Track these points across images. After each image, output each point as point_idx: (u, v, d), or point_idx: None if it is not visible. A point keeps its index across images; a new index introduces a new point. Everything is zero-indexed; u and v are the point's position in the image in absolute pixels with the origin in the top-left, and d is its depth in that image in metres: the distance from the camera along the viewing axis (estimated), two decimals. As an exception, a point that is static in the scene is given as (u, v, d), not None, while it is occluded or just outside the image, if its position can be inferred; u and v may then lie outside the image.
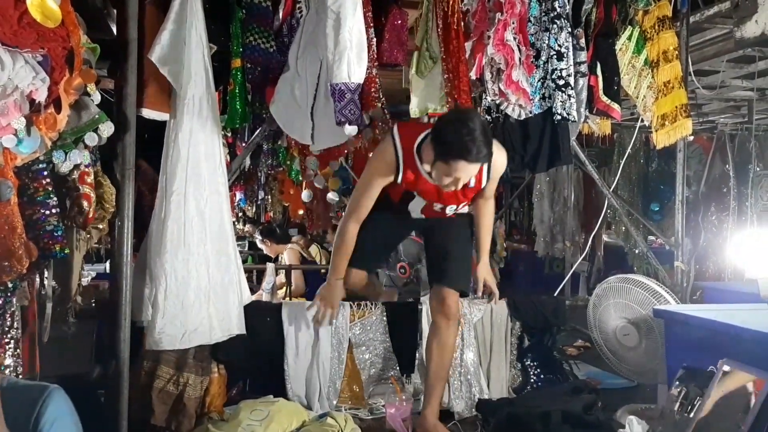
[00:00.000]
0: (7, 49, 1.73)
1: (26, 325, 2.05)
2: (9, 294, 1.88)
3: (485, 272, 2.97)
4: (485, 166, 2.60)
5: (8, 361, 1.87)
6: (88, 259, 2.82)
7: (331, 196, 4.98)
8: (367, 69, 3.02)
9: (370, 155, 2.83)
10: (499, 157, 2.68)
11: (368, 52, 3.03)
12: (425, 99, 3.28)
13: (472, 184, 2.66)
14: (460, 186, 2.52)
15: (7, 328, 1.87)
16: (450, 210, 2.79)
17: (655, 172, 6.19)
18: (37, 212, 1.96)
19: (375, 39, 3.11)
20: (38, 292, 2.25)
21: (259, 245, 6.07)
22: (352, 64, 2.94)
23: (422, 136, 2.58)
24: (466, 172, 2.43)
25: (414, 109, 3.32)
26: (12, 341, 1.89)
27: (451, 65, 3.15)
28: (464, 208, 2.91)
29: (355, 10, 2.94)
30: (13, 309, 1.90)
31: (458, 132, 2.35)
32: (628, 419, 2.70)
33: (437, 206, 2.76)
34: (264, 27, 3.04)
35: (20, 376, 1.93)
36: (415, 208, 2.83)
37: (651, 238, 6.10)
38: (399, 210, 2.85)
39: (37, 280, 2.24)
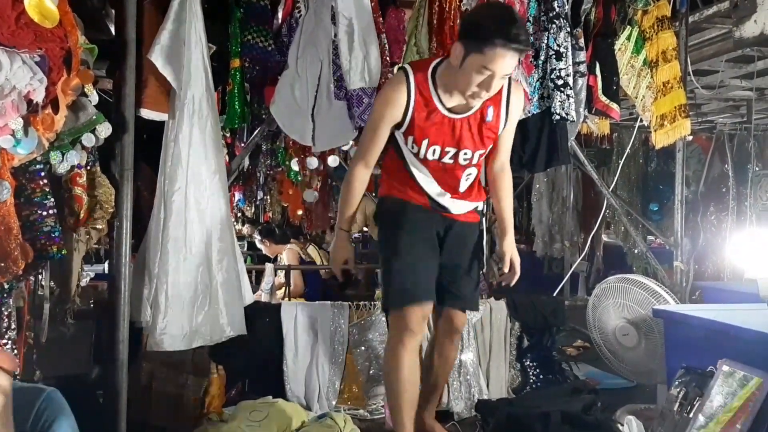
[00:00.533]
0: (4, 50, 1.72)
1: (21, 326, 2.05)
2: (5, 295, 1.88)
3: (511, 248, 2.64)
4: (503, 100, 2.40)
5: (6, 361, 1.86)
6: (87, 259, 2.81)
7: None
8: (382, 72, 3.03)
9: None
10: (516, 92, 2.47)
11: (381, 55, 3.04)
12: None
13: (490, 117, 2.40)
14: (492, 90, 2.24)
15: (4, 329, 1.87)
16: (464, 159, 2.43)
17: (654, 172, 6.19)
18: (35, 213, 1.95)
19: (386, 43, 3.12)
20: (34, 293, 2.25)
21: (258, 245, 6.07)
22: (368, 68, 2.95)
23: (438, 60, 2.38)
24: (504, 62, 2.15)
25: None
26: (9, 342, 1.88)
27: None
28: (479, 200, 2.64)
29: (367, 15, 2.95)
30: (9, 310, 1.90)
31: (495, 14, 2.22)
32: (627, 419, 2.70)
33: (450, 152, 2.40)
34: (262, 26, 3.05)
35: (17, 377, 1.93)
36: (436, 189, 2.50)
37: (650, 238, 6.10)
38: (426, 217, 2.51)
39: (33, 280, 2.24)
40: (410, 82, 2.33)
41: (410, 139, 2.40)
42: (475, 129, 2.40)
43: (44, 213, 1.96)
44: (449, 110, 2.36)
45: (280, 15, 3.14)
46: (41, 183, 1.97)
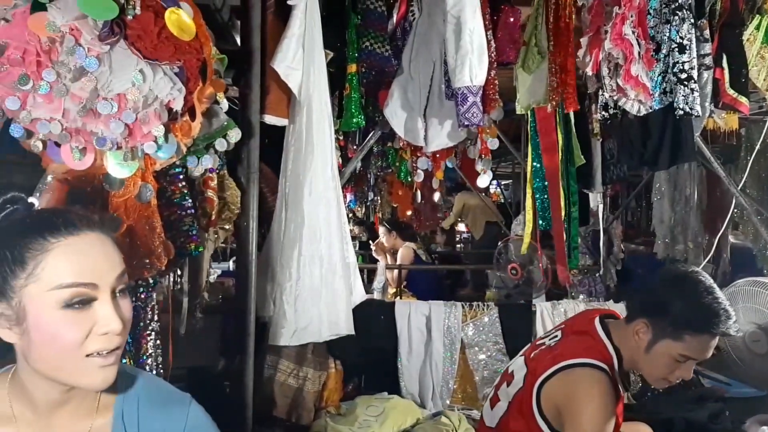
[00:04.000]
0: (148, 62, 1.86)
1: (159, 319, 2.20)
2: (150, 289, 2.03)
3: None
4: None
5: (150, 350, 2.02)
6: (214, 257, 2.97)
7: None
8: (487, 70, 3.02)
9: (579, 402, 1.83)
10: None
11: (488, 52, 3.02)
12: (530, 94, 3.23)
13: None
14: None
15: (148, 321, 2.02)
16: None
17: (789, 168, 5.79)
18: (174, 213, 2.09)
19: (492, 40, 3.10)
20: (171, 288, 2.41)
21: (381, 236, 6.23)
22: (474, 67, 2.93)
23: (612, 334, 1.97)
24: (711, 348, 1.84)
25: (518, 104, 3.28)
26: (153, 333, 2.03)
27: (560, 60, 3.08)
28: None
29: (475, 13, 2.93)
30: (153, 303, 2.05)
31: (715, 296, 1.81)
32: (760, 430, 2.55)
33: None
34: (379, 32, 3.11)
35: (161, 366, 2.08)
36: None
37: (784, 239, 5.69)
38: None
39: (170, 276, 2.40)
40: (614, 375, 1.90)
41: None
42: None
43: (183, 213, 2.10)
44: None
45: (394, 18, 3.19)
46: (180, 185, 2.11)
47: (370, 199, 9.03)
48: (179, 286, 2.36)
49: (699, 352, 1.81)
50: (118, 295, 1.09)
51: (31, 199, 1.18)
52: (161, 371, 2.07)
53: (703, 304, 1.78)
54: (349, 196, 9.76)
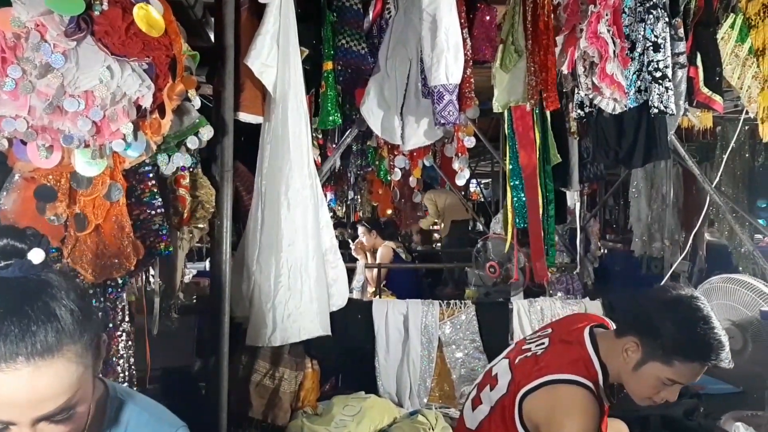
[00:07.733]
0: (116, 59, 1.84)
1: (133, 319, 2.17)
2: (120, 290, 2.00)
3: None
4: None
5: (121, 352, 1.99)
6: (189, 257, 2.94)
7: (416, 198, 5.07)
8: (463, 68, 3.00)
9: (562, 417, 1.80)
10: None
11: (463, 51, 3.01)
12: (508, 93, 3.23)
13: None
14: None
15: (119, 322, 1.99)
16: None
17: (762, 166, 5.87)
18: (144, 212, 2.06)
19: (468, 38, 3.09)
20: (143, 289, 2.38)
21: (361, 235, 6.21)
22: (450, 65, 2.91)
23: (600, 347, 1.94)
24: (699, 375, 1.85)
25: (496, 103, 3.28)
26: (123, 333, 2.00)
27: (540, 59, 3.09)
28: None
29: (451, 10, 2.91)
30: (123, 304, 2.02)
31: (711, 326, 1.77)
32: (734, 426, 2.58)
33: None
34: (355, 29, 3.09)
35: (132, 367, 2.05)
36: None
37: (758, 236, 5.78)
38: None
39: (143, 276, 2.37)
40: (600, 393, 1.89)
41: None
42: None
43: (152, 212, 2.07)
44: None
45: (370, 16, 3.18)
46: (149, 184, 2.08)
47: (350, 198, 9.02)
48: (149, 287, 2.33)
49: (687, 378, 1.80)
50: (51, 423, 0.97)
51: (32, 255, 1.03)
52: (132, 372, 2.04)
53: (697, 333, 1.75)
54: (329, 195, 9.74)
